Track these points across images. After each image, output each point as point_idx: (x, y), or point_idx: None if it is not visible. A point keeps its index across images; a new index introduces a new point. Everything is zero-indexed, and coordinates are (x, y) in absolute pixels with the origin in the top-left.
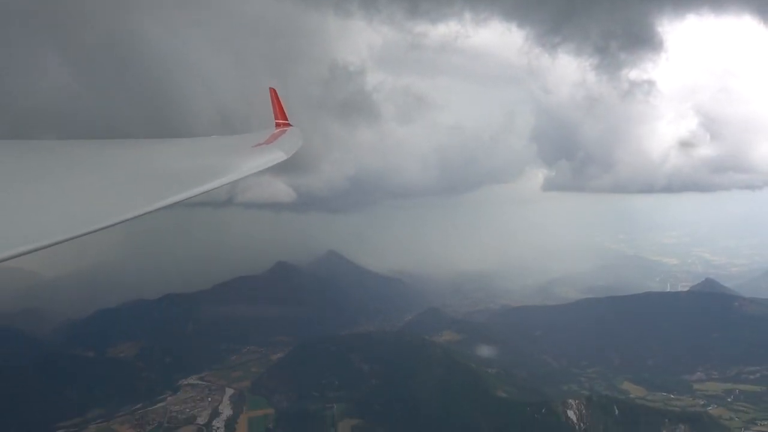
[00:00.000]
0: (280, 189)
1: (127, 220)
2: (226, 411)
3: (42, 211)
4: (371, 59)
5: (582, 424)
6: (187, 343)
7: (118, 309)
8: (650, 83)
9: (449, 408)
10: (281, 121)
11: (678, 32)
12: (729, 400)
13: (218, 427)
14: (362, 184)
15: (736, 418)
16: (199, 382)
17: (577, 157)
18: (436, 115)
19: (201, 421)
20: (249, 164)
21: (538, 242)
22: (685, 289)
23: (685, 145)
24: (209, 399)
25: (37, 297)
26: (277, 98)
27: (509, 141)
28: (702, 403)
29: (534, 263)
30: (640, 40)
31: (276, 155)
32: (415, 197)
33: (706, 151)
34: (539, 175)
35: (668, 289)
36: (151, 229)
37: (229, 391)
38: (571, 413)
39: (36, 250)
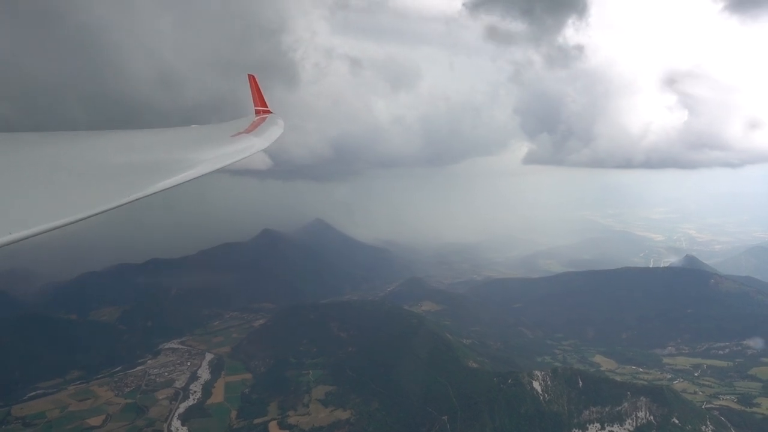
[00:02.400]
0: (257, 156)
1: (106, 210)
2: (205, 375)
3: (21, 202)
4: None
5: (546, 395)
6: (170, 307)
7: (102, 273)
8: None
9: (419, 376)
10: (261, 108)
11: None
12: (696, 374)
13: (195, 391)
14: (345, 153)
15: (700, 392)
16: (180, 347)
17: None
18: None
19: (179, 384)
20: (228, 154)
21: (526, 215)
22: (667, 265)
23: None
24: (188, 363)
25: (23, 258)
26: (257, 85)
27: None
28: (669, 377)
29: (521, 235)
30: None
31: (255, 144)
32: (399, 167)
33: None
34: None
35: (651, 265)
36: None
37: (209, 356)
38: (536, 384)
39: (12, 242)
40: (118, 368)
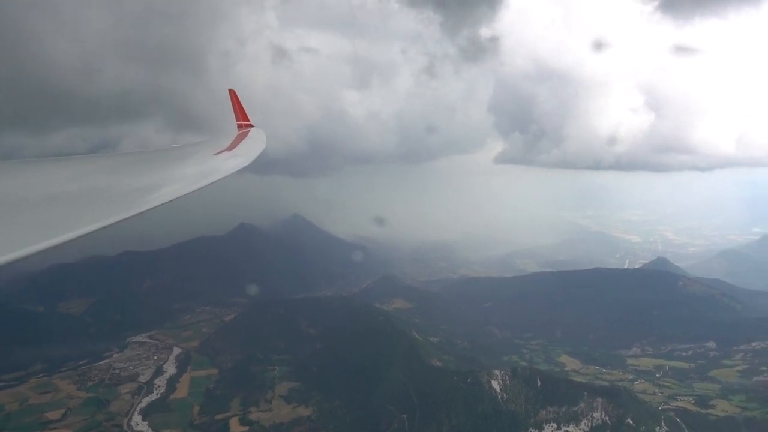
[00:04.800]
0: None
1: (87, 234)
2: (170, 370)
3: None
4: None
5: (505, 395)
6: (141, 300)
7: (74, 265)
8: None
9: (383, 374)
10: (243, 123)
11: None
12: (657, 375)
13: (159, 386)
14: (320, 148)
15: (660, 393)
16: (148, 341)
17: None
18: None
19: (143, 379)
20: (210, 174)
21: (505, 214)
22: (640, 266)
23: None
24: (155, 357)
25: None
26: (237, 100)
27: None
28: (631, 377)
29: (500, 235)
30: None
31: (237, 162)
32: (375, 163)
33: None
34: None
35: (626, 266)
36: None
37: (177, 351)
38: (495, 383)
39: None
40: (83, 362)
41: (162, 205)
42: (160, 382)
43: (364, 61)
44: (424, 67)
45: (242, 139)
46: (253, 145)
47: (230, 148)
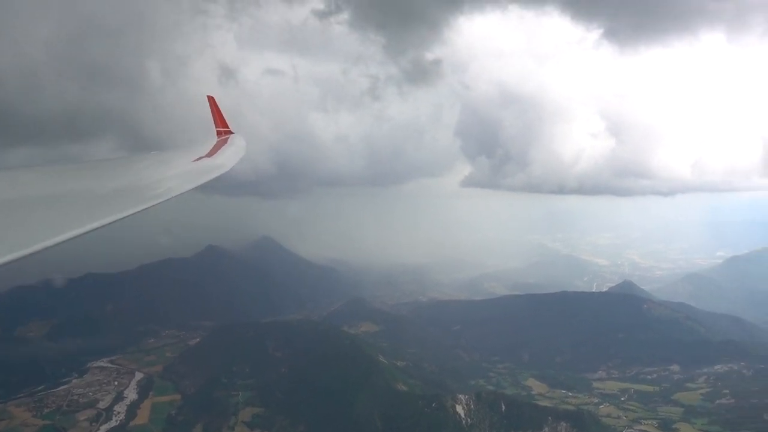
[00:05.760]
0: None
1: (57, 244)
2: (131, 395)
3: None
4: None
5: (469, 419)
6: (104, 324)
7: (34, 287)
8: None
9: (347, 399)
10: (222, 129)
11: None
12: (622, 399)
13: (119, 412)
14: (289, 170)
15: (624, 417)
16: (109, 365)
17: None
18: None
19: (102, 405)
20: (189, 179)
21: (475, 237)
22: (606, 289)
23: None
24: (116, 383)
25: None
26: (216, 106)
27: None
28: (596, 401)
29: (469, 258)
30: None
31: (217, 169)
32: (344, 185)
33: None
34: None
35: (594, 289)
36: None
37: (139, 376)
38: (459, 408)
39: None
40: (40, 387)
41: (141, 211)
42: (120, 408)
43: (328, 83)
44: (392, 91)
45: (222, 145)
46: (233, 151)
47: (210, 154)
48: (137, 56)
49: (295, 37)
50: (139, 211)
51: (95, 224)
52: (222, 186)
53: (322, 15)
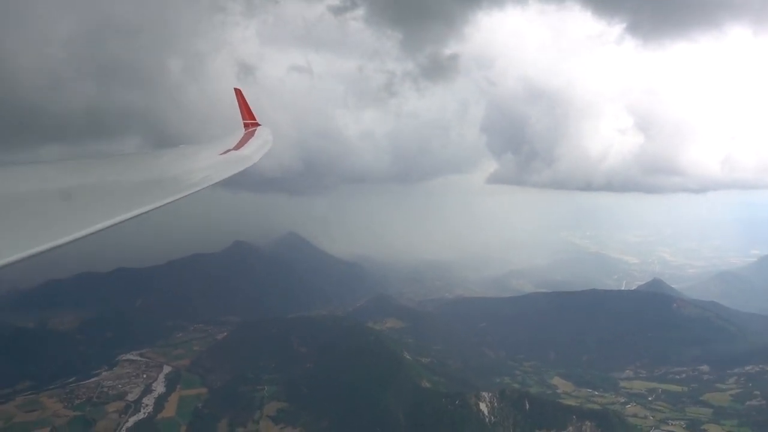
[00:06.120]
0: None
1: (91, 234)
2: (159, 388)
3: (12, 226)
4: None
5: (492, 417)
6: (133, 318)
7: (67, 281)
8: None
9: (371, 395)
10: (249, 121)
11: None
12: (650, 399)
13: (147, 405)
14: (315, 167)
15: (651, 417)
16: (138, 359)
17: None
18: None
19: (131, 397)
20: (217, 172)
21: (503, 234)
22: (637, 287)
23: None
24: (144, 376)
25: None
26: (243, 98)
27: None
28: (623, 401)
29: (497, 254)
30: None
31: (244, 161)
32: (371, 182)
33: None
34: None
35: (623, 287)
36: None
37: (167, 369)
38: (483, 406)
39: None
40: (72, 379)
41: (170, 203)
42: (149, 401)
43: (350, 79)
44: (414, 87)
45: (249, 138)
46: (260, 144)
47: (237, 147)
48: (158, 54)
49: (314, 33)
50: (165, 204)
51: (122, 217)
52: (249, 182)
53: (338, 11)
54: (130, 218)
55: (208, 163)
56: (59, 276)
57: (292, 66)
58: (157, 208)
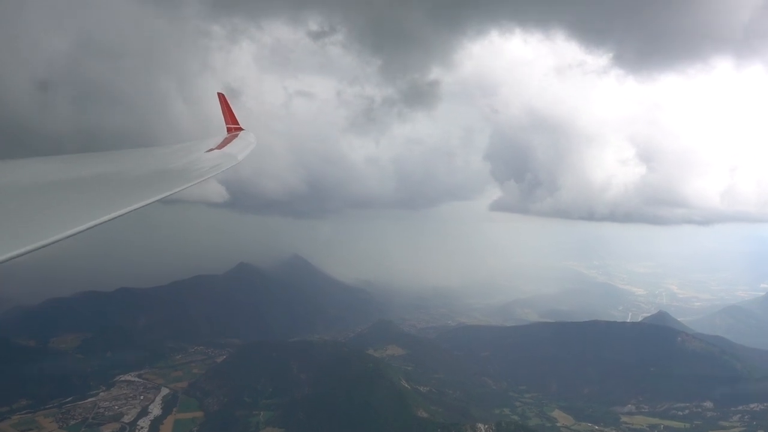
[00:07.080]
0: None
1: (77, 233)
2: (156, 411)
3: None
4: None
5: None
6: (134, 338)
7: (70, 299)
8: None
9: (367, 423)
10: (232, 126)
11: None
12: None
13: (142, 427)
14: (319, 191)
15: None
16: (137, 380)
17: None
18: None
19: (127, 419)
20: (203, 169)
21: (510, 261)
22: (642, 320)
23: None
24: (141, 397)
25: None
26: (226, 103)
27: None
28: None
29: (504, 282)
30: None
31: (229, 159)
32: (375, 208)
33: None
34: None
35: (629, 319)
36: (114, 223)
37: (164, 391)
38: None
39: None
40: (69, 399)
41: (159, 199)
42: (144, 423)
43: (358, 105)
44: (422, 114)
45: (232, 139)
46: (244, 144)
47: (220, 146)
48: (148, 78)
49: (317, 58)
50: (144, 206)
51: (112, 214)
52: (255, 205)
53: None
54: (120, 215)
55: (194, 161)
56: (62, 294)
57: (301, 91)
58: (133, 210)
